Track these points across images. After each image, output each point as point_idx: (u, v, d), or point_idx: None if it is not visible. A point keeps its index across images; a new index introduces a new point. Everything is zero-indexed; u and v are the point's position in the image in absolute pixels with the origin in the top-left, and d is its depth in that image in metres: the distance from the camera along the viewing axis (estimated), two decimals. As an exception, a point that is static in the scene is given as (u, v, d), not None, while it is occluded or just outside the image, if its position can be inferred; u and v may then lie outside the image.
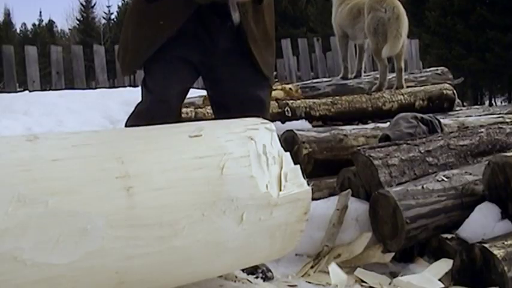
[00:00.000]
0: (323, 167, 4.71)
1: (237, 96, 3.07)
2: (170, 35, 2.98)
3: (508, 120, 5.70)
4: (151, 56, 3.07)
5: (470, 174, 3.88)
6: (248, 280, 3.12)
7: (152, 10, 3.02)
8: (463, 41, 30.07)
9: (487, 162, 3.73)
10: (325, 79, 7.67)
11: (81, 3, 52.50)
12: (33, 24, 58.35)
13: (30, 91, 8.68)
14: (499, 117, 5.97)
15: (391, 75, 6.92)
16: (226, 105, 3.17)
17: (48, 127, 5.92)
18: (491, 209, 3.56)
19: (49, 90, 9.47)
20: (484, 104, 31.06)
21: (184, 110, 5.15)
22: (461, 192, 3.73)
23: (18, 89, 9.74)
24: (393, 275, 3.50)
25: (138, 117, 2.98)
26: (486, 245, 3.12)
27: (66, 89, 9.20)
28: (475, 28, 29.82)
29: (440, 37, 30.76)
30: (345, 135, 4.94)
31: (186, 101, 4.81)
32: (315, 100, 6.13)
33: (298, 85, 6.76)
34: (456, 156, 4.22)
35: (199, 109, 5.50)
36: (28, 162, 2.12)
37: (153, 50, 3.03)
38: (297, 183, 2.71)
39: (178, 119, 3.19)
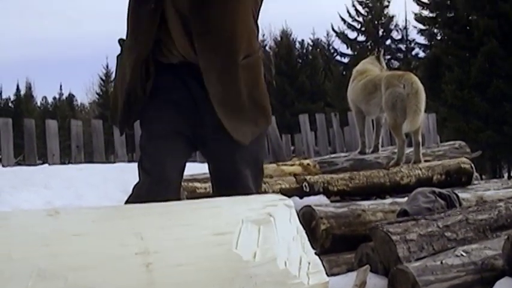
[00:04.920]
0: (341, 243, 4.71)
1: (223, 174, 3.03)
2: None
3: (526, 194, 5.69)
4: (145, 134, 3.07)
5: (490, 248, 3.86)
6: None
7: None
8: (481, 114, 30.12)
9: (506, 236, 3.71)
10: (342, 154, 7.73)
11: (101, 78, 53.12)
12: (54, 98, 58.97)
13: (50, 164, 8.77)
14: (518, 190, 5.96)
15: (408, 150, 6.94)
16: (216, 182, 3.15)
17: (67, 201, 5.96)
18: (511, 284, 3.53)
19: (68, 163, 9.56)
20: (502, 177, 30.93)
21: (202, 185, 5.18)
22: (481, 268, 3.71)
23: (37, 162, 9.83)
24: None
25: (139, 200, 2.89)
26: (507, 323, 3.09)
27: (85, 162, 9.28)
28: (492, 101, 29.90)
29: (457, 110, 30.84)
30: (363, 210, 4.95)
31: (204, 176, 4.84)
32: (332, 175, 6.16)
33: (316, 160, 6.81)
34: (475, 231, 4.21)
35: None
36: (48, 237, 2.14)
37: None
38: (314, 260, 2.71)
39: (179, 195, 3.15)
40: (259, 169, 3.21)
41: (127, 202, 3.08)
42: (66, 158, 12.05)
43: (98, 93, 53.68)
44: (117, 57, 3.19)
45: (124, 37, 3.10)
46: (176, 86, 2.97)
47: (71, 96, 59.62)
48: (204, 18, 2.89)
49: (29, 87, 55.83)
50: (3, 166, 9.11)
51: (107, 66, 52.75)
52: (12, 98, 55.38)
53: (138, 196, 3.01)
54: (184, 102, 2.96)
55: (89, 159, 9.95)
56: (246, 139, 3.01)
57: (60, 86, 61.18)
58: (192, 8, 2.88)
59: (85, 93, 57.53)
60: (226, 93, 2.94)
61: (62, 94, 59.07)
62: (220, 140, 2.97)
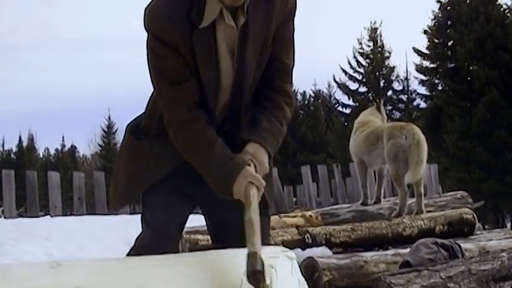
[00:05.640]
0: (344, 294, 4.69)
1: (234, 226, 3.02)
2: (160, 176, 2.99)
3: (529, 244, 5.68)
4: (147, 189, 3.09)
5: (493, 300, 3.85)
6: None
7: (142, 148, 3.05)
8: (483, 164, 30.16)
9: (509, 287, 3.70)
10: (345, 205, 7.72)
11: (103, 129, 53.27)
12: (56, 150, 59.01)
13: (51, 216, 8.77)
14: (520, 240, 5.95)
15: (410, 201, 6.94)
16: (224, 235, 3.10)
17: (69, 253, 5.95)
18: (515, 337, 3.51)
19: (70, 215, 9.56)
20: (505, 226, 30.85)
21: (204, 237, 5.18)
22: (485, 320, 3.69)
23: (39, 213, 9.83)
24: None
25: (140, 253, 2.90)
26: None
27: (87, 214, 9.28)
28: (494, 151, 30.00)
29: (459, 160, 30.88)
30: (365, 261, 4.94)
31: (204, 228, 4.85)
32: (335, 227, 6.16)
33: (318, 212, 6.80)
34: (478, 282, 4.19)
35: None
36: (51, 290, 2.14)
37: (143, 188, 3.05)
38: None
39: (177, 249, 3.16)
40: (268, 216, 3.23)
41: (129, 254, 3.10)
42: (68, 209, 12.05)
43: (100, 145, 53.79)
44: (128, 132, 3.19)
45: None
46: None
47: (73, 148, 59.77)
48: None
49: (31, 139, 56.00)
50: (5, 218, 9.11)
51: (109, 118, 53.10)
52: (14, 149, 55.64)
53: (140, 249, 3.03)
54: (187, 163, 2.98)
55: (91, 210, 9.95)
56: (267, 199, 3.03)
57: (63, 138, 61.09)
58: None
59: (87, 145, 57.51)
60: None
61: (64, 146, 59.25)
62: (224, 203, 2.98)
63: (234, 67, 2.85)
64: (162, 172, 2.99)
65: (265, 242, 2.96)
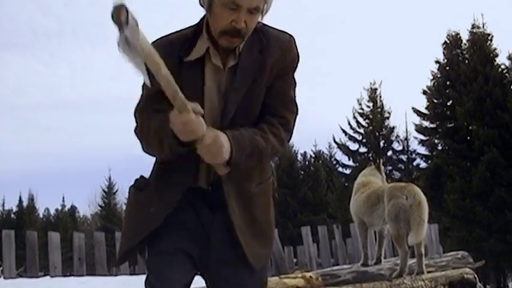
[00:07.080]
0: None
1: None
2: (158, 224, 2.95)
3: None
4: (154, 251, 3.05)
5: None
6: None
7: (143, 198, 3.03)
8: (483, 223, 30.07)
9: None
10: (345, 266, 7.72)
11: (103, 190, 53.17)
12: (56, 210, 58.75)
13: (51, 276, 8.75)
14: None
15: (411, 261, 6.93)
16: None
17: (68, 315, 5.93)
18: None
19: (70, 275, 9.53)
20: (507, 286, 30.62)
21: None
22: None
23: (39, 273, 9.79)
24: None
25: None
26: None
27: (87, 275, 9.24)
28: (494, 210, 29.93)
29: (459, 220, 30.79)
30: (366, 323, 4.92)
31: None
32: (335, 288, 6.14)
33: (318, 272, 6.79)
34: None
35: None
36: None
37: (142, 237, 3.00)
38: None
39: None
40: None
41: None
42: (68, 270, 11.99)
43: (100, 205, 53.69)
44: (131, 188, 3.19)
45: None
46: (185, 208, 3.00)
47: (73, 208, 59.54)
48: None
49: (31, 199, 55.81)
50: (4, 278, 9.08)
51: (110, 179, 53.12)
52: (14, 209, 55.46)
53: None
54: (193, 224, 2.99)
55: (91, 271, 9.91)
56: (260, 263, 3.04)
57: (63, 198, 60.87)
58: None
59: (87, 205, 57.40)
60: (244, 219, 2.99)
61: (65, 206, 59.01)
62: (228, 264, 2.99)
63: (220, 106, 2.89)
64: (159, 220, 2.95)
65: None
